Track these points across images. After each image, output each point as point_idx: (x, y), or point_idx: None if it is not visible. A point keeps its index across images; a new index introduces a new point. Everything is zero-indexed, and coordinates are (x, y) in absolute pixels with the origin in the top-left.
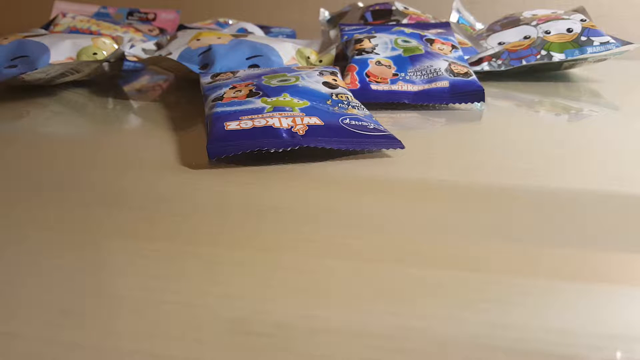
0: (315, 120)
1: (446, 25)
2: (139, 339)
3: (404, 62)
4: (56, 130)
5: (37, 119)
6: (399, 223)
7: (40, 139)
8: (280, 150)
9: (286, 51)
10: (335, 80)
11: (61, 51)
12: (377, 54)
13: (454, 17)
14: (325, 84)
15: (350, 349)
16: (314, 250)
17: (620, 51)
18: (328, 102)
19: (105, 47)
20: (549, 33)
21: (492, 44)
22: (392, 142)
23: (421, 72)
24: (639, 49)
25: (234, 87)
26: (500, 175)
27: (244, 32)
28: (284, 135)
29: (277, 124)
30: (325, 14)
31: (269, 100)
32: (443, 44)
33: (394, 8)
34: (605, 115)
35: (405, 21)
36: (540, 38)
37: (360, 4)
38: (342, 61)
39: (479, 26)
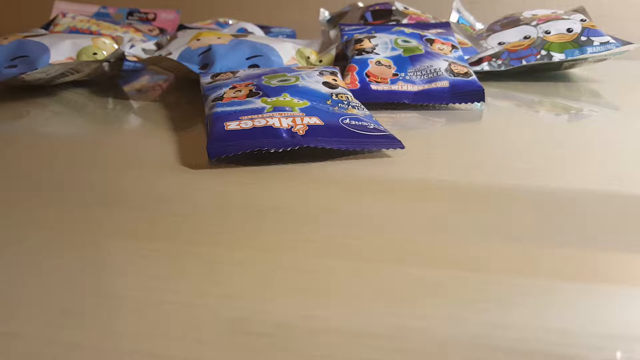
0: (315, 120)
1: (446, 25)
2: (139, 339)
3: (404, 62)
4: (56, 130)
5: (37, 119)
6: (399, 223)
7: (40, 139)
8: (280, 150)
9: (286, 51)
10: (335, 80)
11: (61, 51)
12: (377, 54)
13: (454, 17)
14: (325, 84)
15: (350, 349)
16: (314, 250)
17: (620, 51)
18: (328, 102)
19: (105, 47)
20: (549, 33)
21: (492, 44)
22: (392, 142)
23: (421, 72)
24: (639, 49)
25: (234, 87)
26: (500, 175)
27: (244, 32)
28: (284, 135)
29: (277, 124)
30: (325, 14)
31: (269, 100)
32: (443, 44)
33: (394, 8)
34: (605, 115)
35: (405, 21)
36: (540, 38)
37: (360, 4)
38: (342, 61)
39: (479, 26)
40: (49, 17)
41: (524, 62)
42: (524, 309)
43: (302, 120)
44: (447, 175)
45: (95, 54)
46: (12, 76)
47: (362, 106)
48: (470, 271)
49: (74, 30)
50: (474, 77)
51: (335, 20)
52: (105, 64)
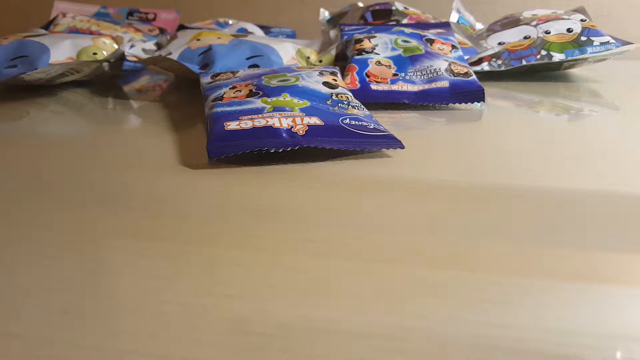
0: (315, 120)
1: (446, 25)
2: (139, 339)
3: (404, 62)
4: (56, 130)
5: (37, 119)
6: (399, 223)
7: (40, 139)
8: (280, 150)
9: (286, 51)
10: (335, 80)
11: (61, 51)
12: (377, 54)
13: (454, 17)
14: (325, 84)
15: (350, 349)
16: (314, 250)
17: (620, 51)
18: (328, 102)
19: (105, 47)
20: (549, 33)
21: (492, 44)
22: (392, 142)
23: (421, 72)
24: (639, 49)
25: (234, 87)
26: (500, 175)
27: (244, 32)
28: (284, 135)
29: (277, 124)
30: (325, 14)
31: (269, 100)
32: (443, 44)
33: (394, 8)
34: (605, 115)
35: (405, 21)
36: (540, 38)
37: (360, 4)
38: (342, 61)
39: (479, 26)
40: (49, 17)
41: (524, 62)
42: (524, 309)
43: (302, 120)
44: (447, 175)
45: (95, 54)
46: (12, 76)
47: (362, 106)
48: (470, 271)
49: (74, 30)
50: (474, 77)
51: (335, 20)
52: (105, 64)
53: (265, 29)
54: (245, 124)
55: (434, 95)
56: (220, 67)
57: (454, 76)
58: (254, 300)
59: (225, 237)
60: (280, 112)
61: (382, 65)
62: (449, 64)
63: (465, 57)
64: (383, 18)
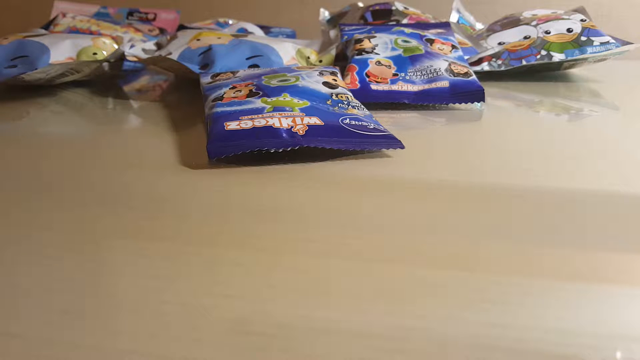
0: (315, 120)
1: (446, 25)
2: (139, 339)
3: (404, 62)
4: (56, 130)
5: (37, 119)
6: (399, 223)
7: (40, 139)
8: (280, 150)
9: (286, 51)
10: (335, 80)
11: (61, 51)
12: (377, 54)
13: (454, 17)
14: (325, 84)
15: (350, 349)
16: (314, 250)
17: (620, 51)
18: (328, 102)
19: (105, 47)
20: (549, 33)
21: (492, 44)
22: (392, 142)
23: (421, 72)
24: (639, 49)
25: (234, 87)
26: (500, 175)
27: (244, 32)
28: (284, 135)
29: (277, 124)
30: (325, 14)
31: (269, 100)
32: (443, 44)
33: (394, 8)
34: (605, 115)
35: (405, 21)
36: (540, 38)
37: (360, 4)
38: (342, 61)
39: (479, 26)
40: (49, 17)
41: (524, 62)
42: (523, 309)
43: (302, 120)
44: (447, 175)
45: (95, 54)
46: (12, 76)
47: (362, 106)
48: (470, 271)
49: (74, 30)
50: (474, 77)
51: (335, 20)
52: (105, 64)
53: (265, 29)
54: (245, 124)
55: (434, 95)
56: (220, 67)
57: (454, 76)
58: (254, 300)
59: (225, 237)
60: (280, 112)
61: (382, 65)
62: (449, 64)
63: (465, 57)
64: (383, 18)
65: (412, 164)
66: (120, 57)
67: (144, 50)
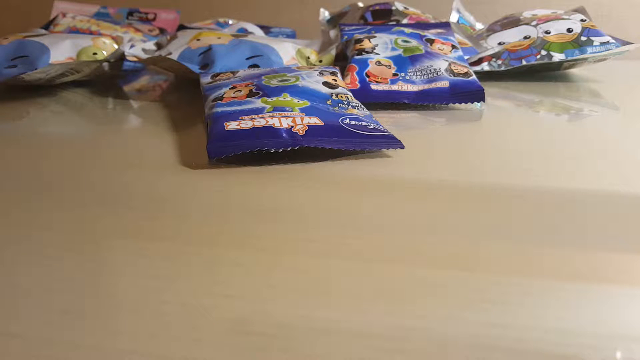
0: (315, 120)
1: (446, 25)
2: (139, 339)
3: (404, 62)
4: (56, 130)
5: (37, 119)
6: (399, 223)
7: (40, 139)
8: (280, 150)
9: (286, 51)
10: (335, 80)
11: (61, 51)
12: (377, 54)
13: (454, 17)
14: (325, 84)
15: (350, 349)
16: (314, 250)
17: (620, 51)
18: (328, 102)
19: (105, 47)
20: (549, 33)
21: (492, 44)
22: (392, 142)
23: (421, 72)
24: (639, 49)
25: (234, 87)
26: (500, 175)
27: (244, 32)
28: (284, 135)
29: (277, 124)
30: (325, 14)
31: (269, 100)
32: (443, 44)
33: (394, 8)
34: (605, 115)
35: (405, 21)
36: (540, 38)
37: (360, 4)
38: (342, 61)
39: (479, 26)
40: (49, 17)
41: (524, 62)
42: (524, 309)
43: (302, 120)
44: (447, 175)
45: (95, 54)
46: (12, 76)
47: (362, 106)
48: (470, 271)
49: (74, 30)
50: (474, 77)
51: (335, 20)
52: (105, 64)
53: (265, 29)
54: (245, 124)
55: (434, 95)
56: (220, 67)
57: (454, 76)
58: (254, 300)
59: (225, 237)
60: (280, 112)
61: (382, 65)
62: (449, 64)
63: (465, 57)
64: (383, 18)
65: (412, 164)
66: (120, 57)
67: (144, 50)
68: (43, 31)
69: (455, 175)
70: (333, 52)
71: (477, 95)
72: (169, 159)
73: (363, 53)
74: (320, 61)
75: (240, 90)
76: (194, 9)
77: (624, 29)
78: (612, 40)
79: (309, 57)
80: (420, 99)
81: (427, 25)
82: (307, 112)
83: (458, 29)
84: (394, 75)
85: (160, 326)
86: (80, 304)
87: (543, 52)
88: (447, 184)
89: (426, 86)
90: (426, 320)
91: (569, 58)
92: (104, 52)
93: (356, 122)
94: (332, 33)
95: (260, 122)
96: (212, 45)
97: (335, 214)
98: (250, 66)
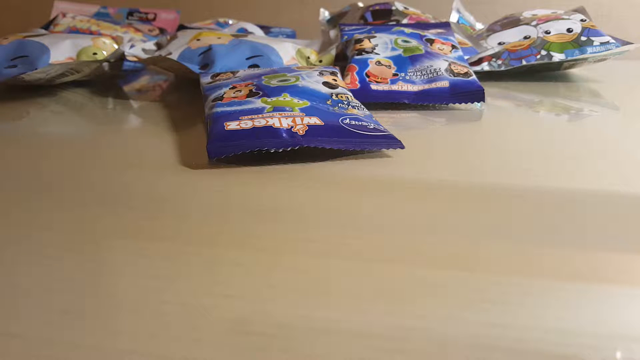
0: (315, 120)
1: (446, 25)
2: (139, 339)
3: (404, 62)
4: (56, 130)
5: (37, 119)
6: (399, 223)
7: (40, 139)
8: (280, 150)
9: (286, 51)
10: (335, 80)
11: (61, 51)
12: (377, 54)
13: (454, 17)
14: (325, 84)
15: (350, 349)
16: (314, 250)
17: (620, 51)
18: (328, 102)
19: (105, 47)
20: (549, 33)
21: (492, 44)
22: (392, 142)
23: (421, 72)
24: (639, 49)
25: (234, 87)
26: (500, 175)
27: (244, 32)
28: (284, 135)
29: (277, 124)
30: (325, 14)
31: (269, 100)
32: (443, 44)
33: (394, 8)
34: (605, 115)
35: (405, 21)
36: (540, 38)
37: (360, 4)
38: (342, 61)
39: (479, 26)
40: (49, 17)
41: (524, 62)
42: (524, 309)
43: (302, 120)
44: (447, 175)
45: (95, 54)
46: (12, 76)
47: (362, 106)
48: (470, 271)
49: (74, 30)
50: (474, 77)
51: (335, 20)
52: (105, 64)
53: (265, 29)
54: (245, 124)
55: (434, 95)
56: (220, 67)
57: (454, 76)
58: (254, 300)
59: (225, 237)
60: (280, 112)
61: (382, 65)
62: (449, 64)
63: (465, 57)
64: (383, 18)
65: (412, 164)
66: (120, 57)
67: (144, 50)
68: (43, 31)
69: (455, 175)
70: (333, 52)
71: (477, 95)
72: (169, 159)
73: (363, 53)
74: (320, 61)
75: (240, 90)
76: (194, 9)
77: (624, 29)
78: (612, 40)
79: (309, 57)
80: (420, 99)
81: (427, 25)
82: (307, 112)
83: (458, 29)
84: (394, 75)
85: (160, 326)
86: (80, 304)
87: (543, 52)
88: (447, 184)
89: (426, 86)
90: (426, 320)
91: (569, 58)
92: (104, 52)
93: (356, 122)
94: (332, 33)
95: (260, 122)
96: (212, 45)
97: (335, 214)
98: (250, 66)
